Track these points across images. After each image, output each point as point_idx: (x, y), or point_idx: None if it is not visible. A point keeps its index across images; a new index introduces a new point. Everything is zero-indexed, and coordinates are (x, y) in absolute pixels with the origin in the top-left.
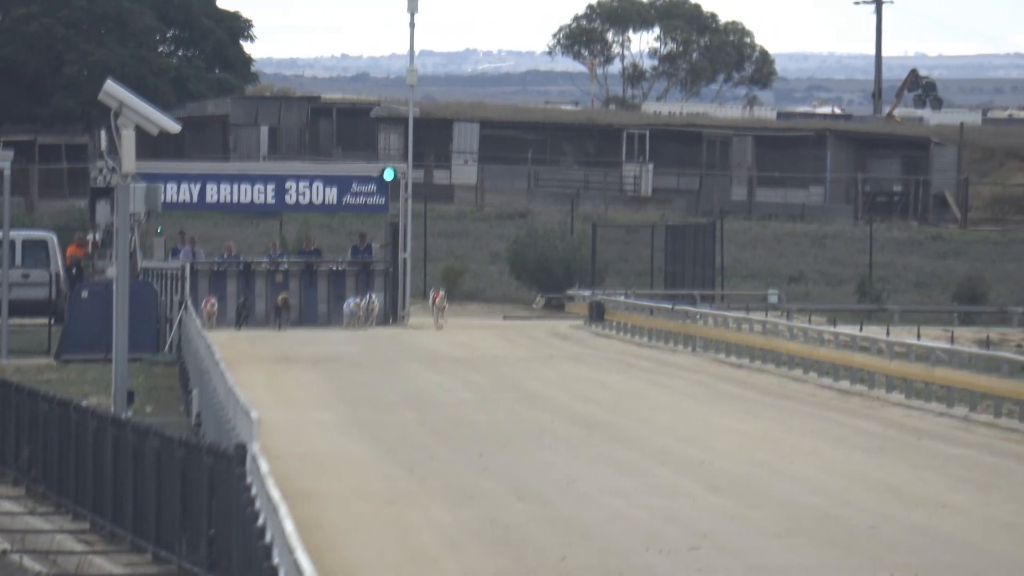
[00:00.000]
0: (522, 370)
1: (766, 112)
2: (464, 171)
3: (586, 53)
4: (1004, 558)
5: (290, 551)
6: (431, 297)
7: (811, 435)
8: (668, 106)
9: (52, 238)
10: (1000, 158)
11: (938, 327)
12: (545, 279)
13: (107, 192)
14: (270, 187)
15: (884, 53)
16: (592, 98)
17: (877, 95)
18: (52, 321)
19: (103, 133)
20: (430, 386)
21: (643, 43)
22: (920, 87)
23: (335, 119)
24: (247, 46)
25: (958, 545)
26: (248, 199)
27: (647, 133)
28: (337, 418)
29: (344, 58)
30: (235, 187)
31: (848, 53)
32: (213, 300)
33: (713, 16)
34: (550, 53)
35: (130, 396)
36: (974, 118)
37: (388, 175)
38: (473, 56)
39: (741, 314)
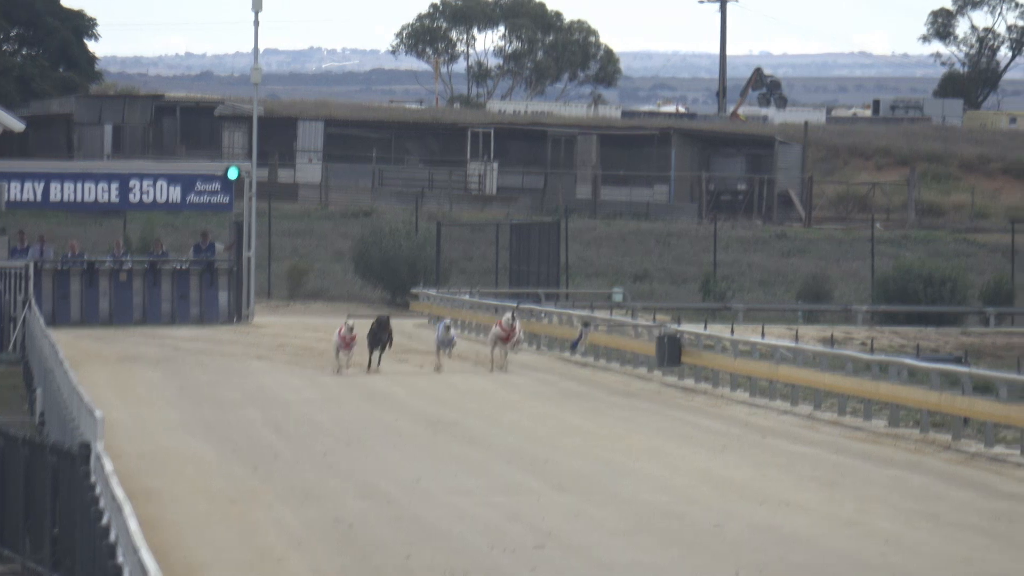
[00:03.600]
0: (367, 369)
1: (611, 111)
2: (308, 170)
3: (430, 52)
4: (846, 555)
5: (134, 550)
6: (499, 332)
7: (656, 433)
8: (513, 105)
9: None
10: (844, 157)
11: (782, 325)
12: (390, 278)
13: None
14: (114, 186)
15: (729, 52)
16: (437, 97)
17: (722, 94)
18: None
19: None
20: (275, 385)
21: (488, 42)
22: (765, 86)
23: (179, 118)
24: (91, 45)
25: (802, 543)
26: (92, 198)
27: (492, 132)
28: (182, 417)
29: (188, 56)
30: (79, 186)
31: (693, 52)
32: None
33: (558, 15)
34: (394, 52)
35: None
36: (818, 117)
37: (232, 174)
38: (318, 55)
39: (586, 312)
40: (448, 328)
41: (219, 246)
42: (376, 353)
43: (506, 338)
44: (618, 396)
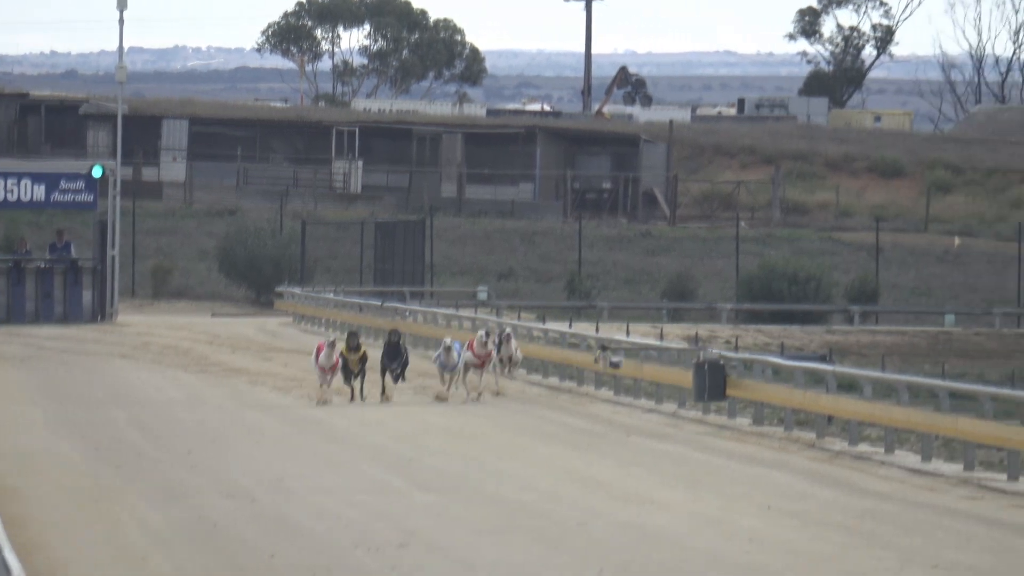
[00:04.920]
0: (230, 368)
1: (476, 109)
2: (173, 168)
3: (295, 50)
4: (710, 554)
5: None
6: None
7: (521, 432)
8: (378, 103)
9: None
10: (709, 155)
11: (647, 324)
12: (255, 276)
13: None
14: None
15: (594, 50)
16: (302, 95)
17: (587, 92)
18: None
19: None
20: (139, 384)
21: (353, 40)
22: (630, 84)
23: (44, 116)
24: None
25: (666, 541)
26: None
27: (357, 130)
28: (45, 416)
29: (53, 55)
30: None
31: (558, 51)
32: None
33: (423, 14)
34: (260, 50)
35: None
36: (683, 115)
37: (96, 172)
38: (183, 53)
39: (451, 311)
40: (449, 349)
41: (72, 245)
42: (386, 378)
43: (480, 364)
44: (483, 394)
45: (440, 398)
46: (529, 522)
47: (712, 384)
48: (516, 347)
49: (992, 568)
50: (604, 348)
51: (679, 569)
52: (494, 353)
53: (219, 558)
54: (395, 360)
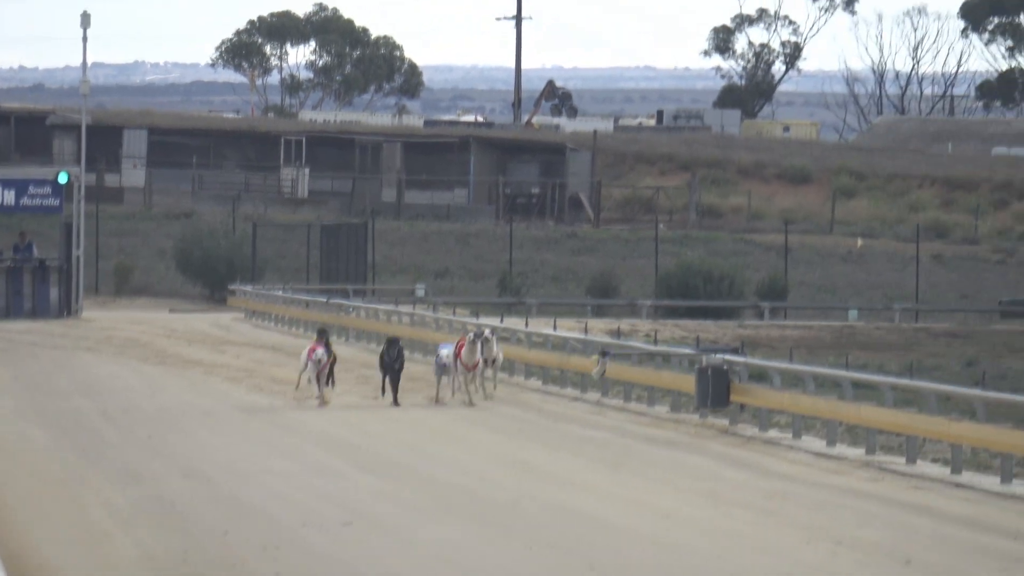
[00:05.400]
0: (187, 360)
1: (414, 120)
2: (133, 174)
3: (247, 65)
4: (632, 531)
5: None
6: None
7: (457, 419)
8: (323, 114)
9: None
10: (630, 162)
11: (572, 319)
12: (209, 275)
13: None
14: None
15: (524, 65)
16: (252, 107)
17: (517, 104)
18: None
19: None
20: (103, 374)
21: (300, 56)
22: (557, 97)
23: (13, 127)
24: None
25: (591, 520)
26: None
27: (303, 139)
28: (16, 404)
29: (22, 70)
30: None
31: (491, 65)
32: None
33: (365, 31)
34: (214, 65)
35: None
36: (607, 126)
37: (62, 178)
38: (142, 68)
39: (391, 307)
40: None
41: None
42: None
43: (472, 367)
44: (421, 384)
45: (440, 402)
46: (464, 502)
47: (716, 390)
48: (499, 350)
49: (892, 544)
50: (604, 354)
51: (602, 546)
52: (481, 362)
53: (177, 536)
54: (396, 360)
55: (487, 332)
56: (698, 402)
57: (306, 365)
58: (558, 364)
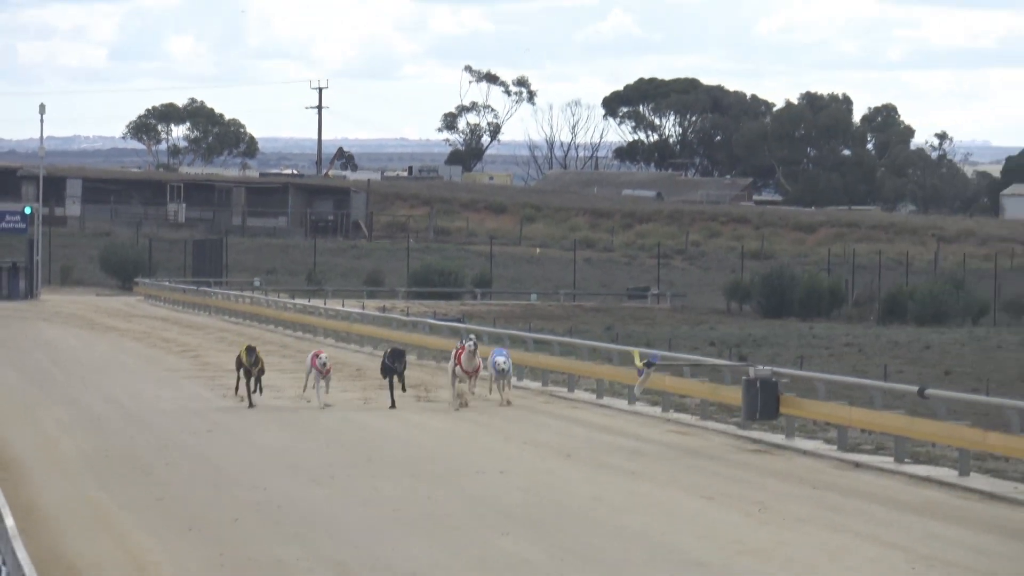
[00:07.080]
0: (108, 327)
1: (253, 172)
2: (73, 208)
3: (146, 138)
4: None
5: None
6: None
7: (276, 366)
8: (194, 169)
9: None
10: (391, 199)
11: (356, 300)
12: (122, 272)
13: None
14: None
15: (324, 137)
16: (149, 165)
17: (319, 162)
18: None
19: None
20: (53, 337)
21: (180, 131)
22: (344, 158)
23: None
24: None
25: (396, 441)
26: None
27: (182, 185)
28: None
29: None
30: None
31: (302, 137)
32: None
33: (221, 115)
34: (125, 137)
35: None
36: (376, 176)
37: (27, 210)
38: (79, 139)
39: (238, 292)
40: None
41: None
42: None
43: (472, 373)
44: (258, 343)
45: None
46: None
47: (764, 403)
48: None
49: (559, 443)
50: (649, 365)
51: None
52: (480, 364)
53: (100, 437)
54: (398, 362)
55: (472, 339)
56: (745, 415)
57: (311, 370)
58: (345, 329)
